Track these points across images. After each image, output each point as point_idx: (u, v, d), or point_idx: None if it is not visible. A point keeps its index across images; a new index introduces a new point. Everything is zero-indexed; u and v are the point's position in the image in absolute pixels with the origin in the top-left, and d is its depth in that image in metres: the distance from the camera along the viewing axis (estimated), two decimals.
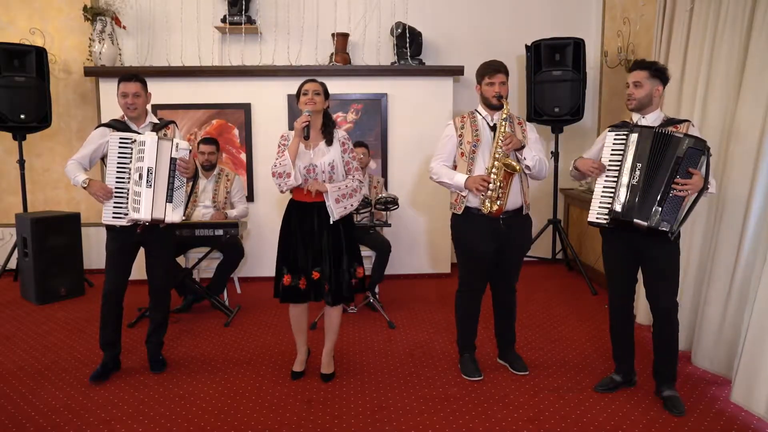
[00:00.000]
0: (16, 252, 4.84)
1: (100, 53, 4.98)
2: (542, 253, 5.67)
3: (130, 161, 3.06)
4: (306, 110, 2.97)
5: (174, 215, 3.10)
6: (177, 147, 3.08)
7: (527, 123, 3.18)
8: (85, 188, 3.05)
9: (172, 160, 3.07)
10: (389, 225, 4.41)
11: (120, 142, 3.06)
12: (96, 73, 4.98)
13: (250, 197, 5.09)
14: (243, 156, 5.15)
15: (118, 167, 3.06)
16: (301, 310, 3.20)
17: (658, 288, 2.83)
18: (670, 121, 2.83)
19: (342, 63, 5.12)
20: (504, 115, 2.99)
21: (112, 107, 4.93)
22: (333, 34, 5.17)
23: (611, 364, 3.16)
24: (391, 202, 4.13)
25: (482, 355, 3.43)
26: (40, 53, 4.86)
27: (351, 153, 3.13)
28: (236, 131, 5.13)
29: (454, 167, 3.12)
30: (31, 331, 3.99)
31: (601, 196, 2.83)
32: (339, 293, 3.09)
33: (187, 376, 3.26)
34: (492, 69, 3.05)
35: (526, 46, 5.07)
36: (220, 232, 4.02)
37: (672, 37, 3.79)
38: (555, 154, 5.22)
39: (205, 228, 4.04)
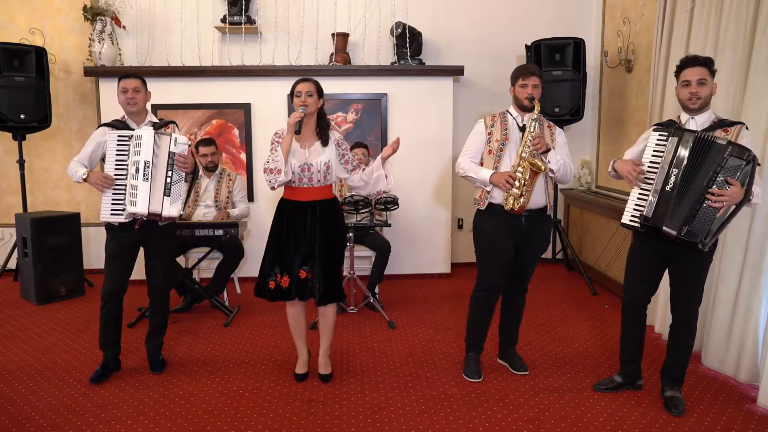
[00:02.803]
0: (16, 252, 4.84)
1: (99, 53, 4.98)
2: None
3: (128, 157, 3.07)
4: (301, 108, 2.98)
5: (171, 209, 3.09)
6: (175, 141, 3.08)
7: (557, 128, 3.18)
8: (85, 180, 3.06)
9: (171, 155, 3.07)
10: (389, 225, 4.41)
11: (118, 139, 3.08)
12: (96, 73, 4.98)
13: (250, 197, 5.08)
14: (243, 156, 5.15)
15: (116, 164, 3.07)
16: (298, 311, 3.20)
17: (682, 295, 2.81)
18: (721, 123, 2.70)
19: (342, 63, 5.12)
20: (535, 116, 3.00)
21: (112, 107, 4.93)
22: (333, 34, 5.17)
23: (612, 364, 3.16)
24: (391, 202, 4.13)
25: (482, 354, 3.43)
26: (40, 53, 4.86)
27: (348, 151, 3.16)
28: (236, 131, 5.13)
29: (481, 164, 3.14)
30: (31, 331, 3.99)
31: (637, 199, 2.76)
32: (330, 292, 3.09)
33: (187, 377, 3.26)
34: (526, 71, 3.07)
35: (526, 46, 5.06)
36: (220, 232, 4.02)
37: (673, 37, 3.79)
38: None
39: (205, 228, 4.04)
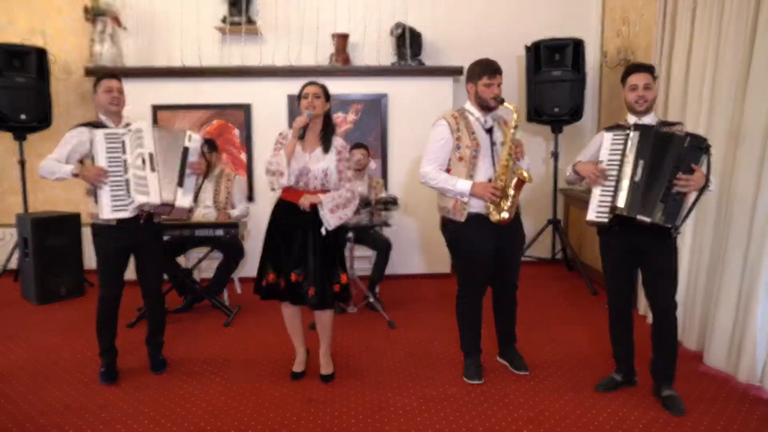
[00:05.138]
0: (16, 252, 4.84)
1: (100, 53, 4.98)
2: (542, 253, 5.67)
3: (122, 153, 3.03)
4: (307, 112, 2.98)
5: (184, 200, 3.12)
6: (190, 138, 3.15)
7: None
8: (76, 175, 2.97)
9: (185, 150, 3.12)
10: (389, 225, 4.42)
11: (107, 137, 3.04)
12: (96, 73, 4.97)
13: (250, 197, 5.09)
14: (243, 156, 5.15)
15: (108, 160, 3.01)
16: (293, 310, 3.20)
17: (657, 287, 2.84)
18: (664, 123, 2.87)
19: (342, 63, 5.13)
20: (515, 122, 2.98)
21: None
22: (333, 35, 5.17)
23: (611, 363, 3.16)
24: (391, 203, 4.13)
25: (482, 354, 3.42)
26: (41, 53, 4.87)
27: (346, 162, 3.10)
28: (236, 131, 5.13)
29: (447, 170, 3.06)
30: (32, 331, 3.99)
31: (600, 195, 2.83)
32: (324, 298, 3.07)
33: (187, 376, 3.26)
34: (492, 69, 3.01)
35: (526, 47, 5.07)
36: (220, 232, 4.02)
37: (675, 38, 3.78)
38: (555, 154, 5.22)
39: (205, 228, 4.04)
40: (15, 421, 2.78)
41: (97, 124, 3.13)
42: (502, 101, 2.97)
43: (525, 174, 2.94)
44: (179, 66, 5.06)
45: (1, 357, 3.55)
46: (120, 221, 3.05)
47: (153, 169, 3.04)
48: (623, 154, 2.80)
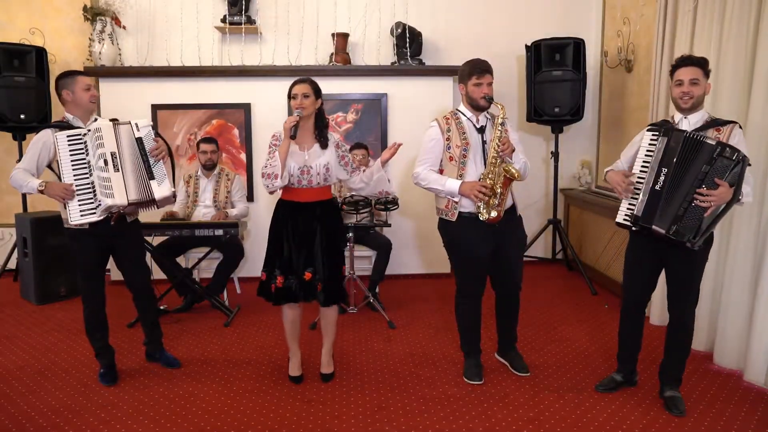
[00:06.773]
0: (16, 252, 4.84)
1: (100, 53, 4.98)
2: (542, 253, 5.67)
3: (86, 154, 2.93)
4: (297, 111, 2.97)
5: (162, 189, 3.01)
6: (137, 127, 3.02)
7: (507, 122, 3.10)
8: (42, 191, 2.87)
9: (138, 140, 3.00)
10: (389, 225, 4.41)
11: (68, 139, 2.92)
12: (96, 73, 4.97)
13: (250, 197, 5.09)
14: (243, 156, 5.15)
15: (73, 164, 2.91)
16: (297, 314, 3.19)
17: (676, 296, 2.81)
18: (714, 122, 2.70)
19: (342, 63, 5.12)
20: (501, 119, 2.96)
21: (112, 107, 4.94)
22: (333, 34, 5.17)
23: (611, 363, 3.16)
24: (391, 202, 4.13)
25: (482, 355, 3.42)
26: (40, 53, 4.86)
27: (347, 152, 3.16)
28: (236, 131, 5.13)
29: (440, 171, 3.06)
30: (31, 331, 3.99)
31: (631, 197, 2.77)
32: (332, 293, 3.09)
33: (187, 376, 3.25)
34: (480, 69, 2.98)
35: (526, 46, 5.06)
36: (220, 232, 4.02)
37: (676, 38, 3.77)
38: (555, 155, 5.22)
39: (205, 228, 4.04)
40: (15, 421, 2.78)
41: (62, 125, 3.02)
42: (491, 100, 2.96)
43: (512, 170, 2.91)
44: (179, 66, 5.06)
45: (1, 357, 3.55)
46: (92, 225, 2.95)
47: (117, 169, 2.92)
48: (653, 158, 2.70)
